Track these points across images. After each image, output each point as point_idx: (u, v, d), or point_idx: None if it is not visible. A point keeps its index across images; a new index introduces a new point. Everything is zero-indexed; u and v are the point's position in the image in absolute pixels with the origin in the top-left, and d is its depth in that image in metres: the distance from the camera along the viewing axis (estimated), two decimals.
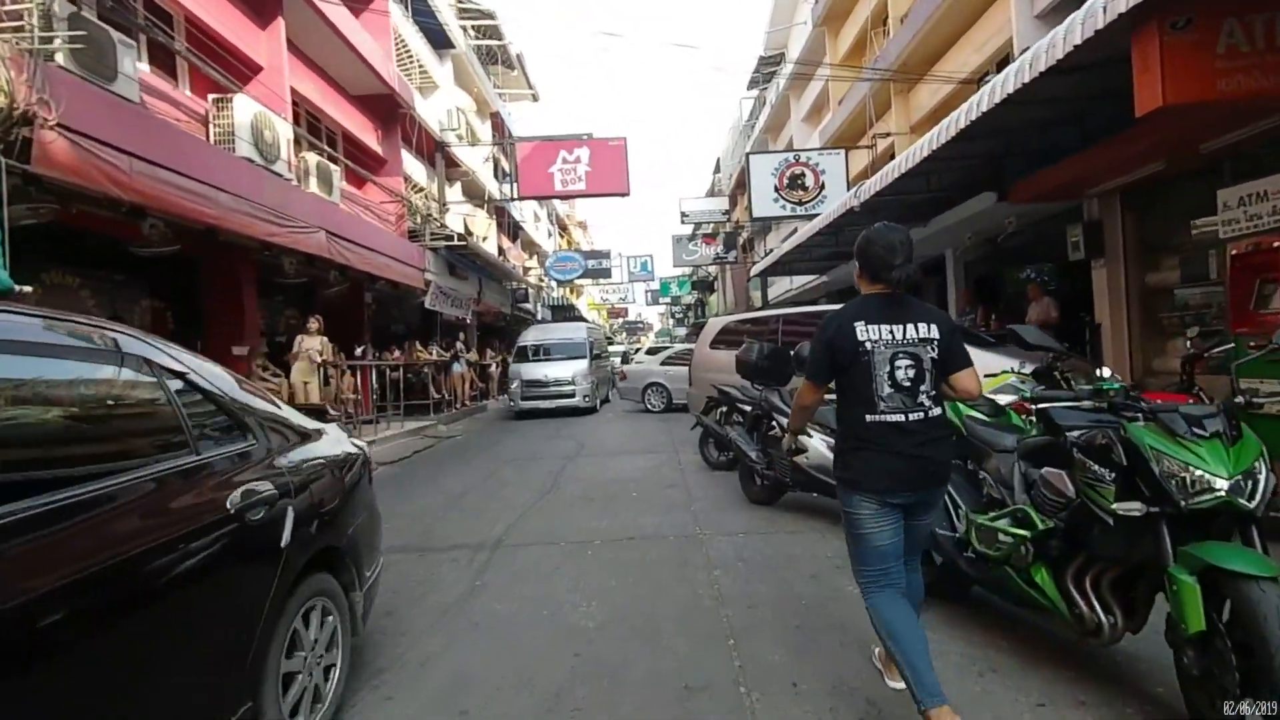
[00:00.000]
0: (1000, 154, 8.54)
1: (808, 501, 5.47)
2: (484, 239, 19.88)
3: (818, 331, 2.35)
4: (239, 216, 7.27)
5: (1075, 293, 9.29)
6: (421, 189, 14.37)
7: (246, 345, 9.06)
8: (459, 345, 15.65)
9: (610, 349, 31.53)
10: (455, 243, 13.87)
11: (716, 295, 40.88)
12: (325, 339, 9.45)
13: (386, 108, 13.38)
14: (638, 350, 35.98)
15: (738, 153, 33.81)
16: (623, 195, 15.37)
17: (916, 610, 2.33)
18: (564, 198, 16.14)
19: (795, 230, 22.18)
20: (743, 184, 37.44)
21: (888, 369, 2.19)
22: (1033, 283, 9.42)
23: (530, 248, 31.17)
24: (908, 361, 2.20)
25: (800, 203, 14.23)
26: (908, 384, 2.20)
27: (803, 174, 14.12)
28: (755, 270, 18.60)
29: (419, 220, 13.57)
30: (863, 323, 2.22)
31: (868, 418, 2.22)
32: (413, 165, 15.17)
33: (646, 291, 53.34)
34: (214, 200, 6.91)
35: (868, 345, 2.20)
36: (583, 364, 14.58)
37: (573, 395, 14.04)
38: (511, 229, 25.03)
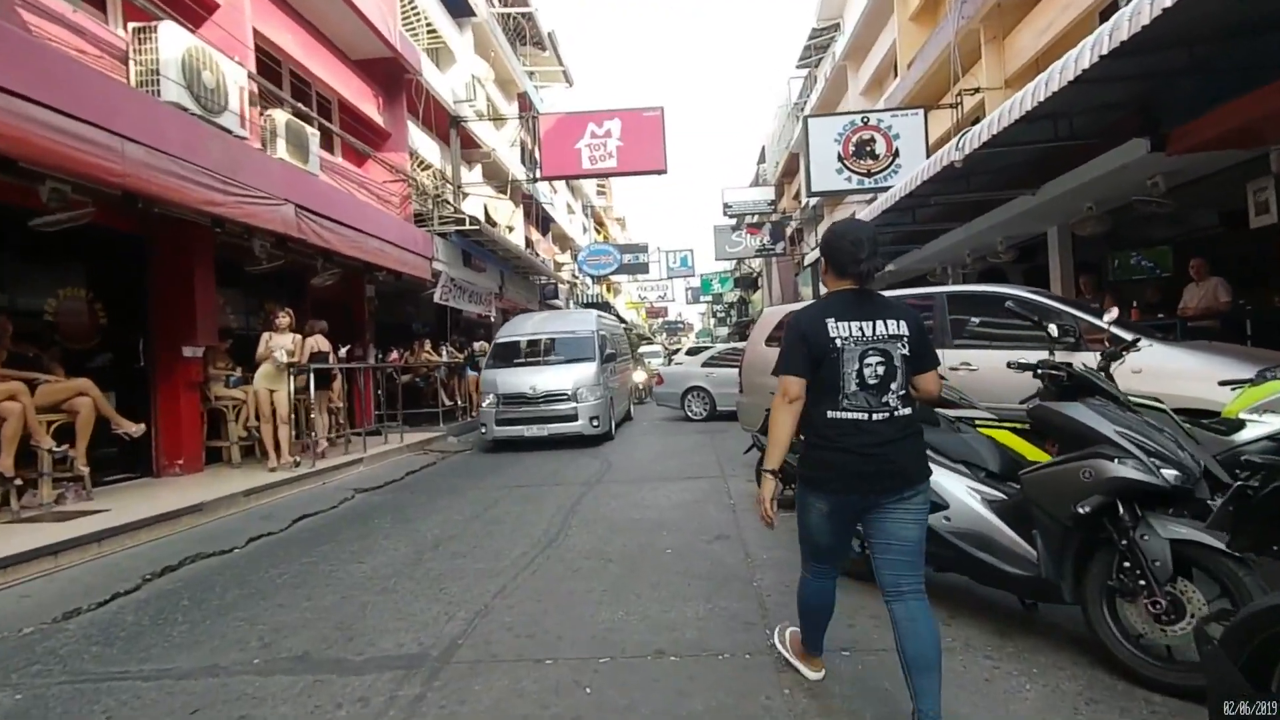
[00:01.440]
0: (1158, 87, 6.39)
1: (948, 584, 3.47)
2: (509, 229, 18.25)
3: (788, 329, 2.30)
4: (160, 176, 5.64)
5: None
6: (430, 166, 12.75)
7: (200, 345, 7.47)
8: (475, 346, 13.98)
9: (645, 349, 29.45)
10: (467, 228, 12.17)
11: (761, 292, 38.61)
12: (299, 336, 7.81)
13: (389, 73, 11.78)
14: (677, 350, 34.12)
15: (785, 138, 31.61)
16: (659, 173, 13.48)
17: (933, 666, 2.07)
18: (593, 176, 14.29)
19: (853, 215, 20.01)
20: (790, 172, 35.20)
21: (856, 366, 2.16)
22: (1198, 258, 7.17)
23: (563, 242, 29.53)
24: (878, 359, 2.16)
25: (869, 173, 12.07)
26: (875, 382, 2.16)
27: (872, 139, 11.95)
28: (809, 260, 16.47)
29: (428, 203, 11.92)
30: (833, 319, 2.19)
31: (829, 414, 2.19)
32: (423, 142, 13.58)
33: (687, 289, 51.34)
34: (119, 153, 5.27)
35: (838, 343, 2.17)
36: (589, 369, 10.04)
37: (573, 417, 9.61)
38: (540, 220, 23.37)
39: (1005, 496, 3.01)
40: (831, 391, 2.18)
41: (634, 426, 12.25)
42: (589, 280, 34.23)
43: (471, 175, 17.12)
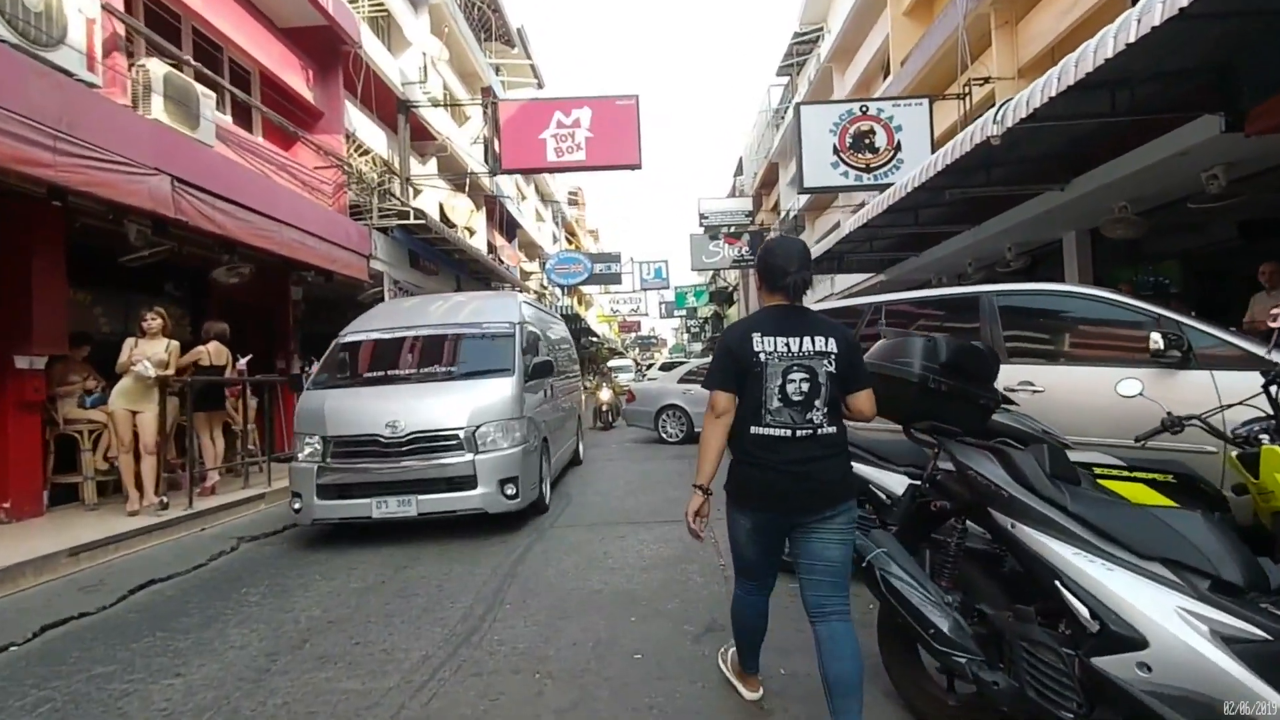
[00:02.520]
0: (1240, 54, 5.24)
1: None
2: (469, 231, 16.75)
3: (718, 344, 2.35)
4: None
5: None
6: (368, 151, 11.19)
7: (40, 354, 5.83)
8: None
9: (615, 363, 27.69)
10: (412, 222, 10.64)
11: (736, 306, 37.51)
12: (175, 343, 6.19)
13: (323, 44, 10.25)
14: (650, 365, 32.63)
15: (764, 148, 30.70)
16: (633, 168, 12.16)
17: (854, 688, 2.07)
18: (559, 170, 12.85)
19: (837, 225, 18.90)
20: (769, 183, 34.27)
21: (779, 382, 2.13)
22: (1270, 263, 5.98)
23: (531, 249, 28.03)
24: (802, 375, 2.13)
25: (868, 168, 10.83)
26: (799, 398, 2.13)
27: (871, 131, 10.71)
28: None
29: (367, 196, 10.36)
30: (759, 334, 2.17)
31: (753, 429, 2.17)
32: (365, 126, 12.00)
33: (660, 303, 50.18)
34: None
35: (761, 357, 2.14)
36: (501, 391, 5.70)
37: (468, 480, 5.29)
38: (506, 225, 21.87)
39: (1268, 636, 1.63)
40: (755, 407, 2.16)
41: (598, 453, 10.76)
42: (559, 291, 32.79)
43: (425, 169, 15.58)
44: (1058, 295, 4.71)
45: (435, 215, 14.75)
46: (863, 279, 16.63)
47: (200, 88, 7.01)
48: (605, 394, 15.15)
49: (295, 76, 9.83)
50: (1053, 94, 5.10)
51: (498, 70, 21.03)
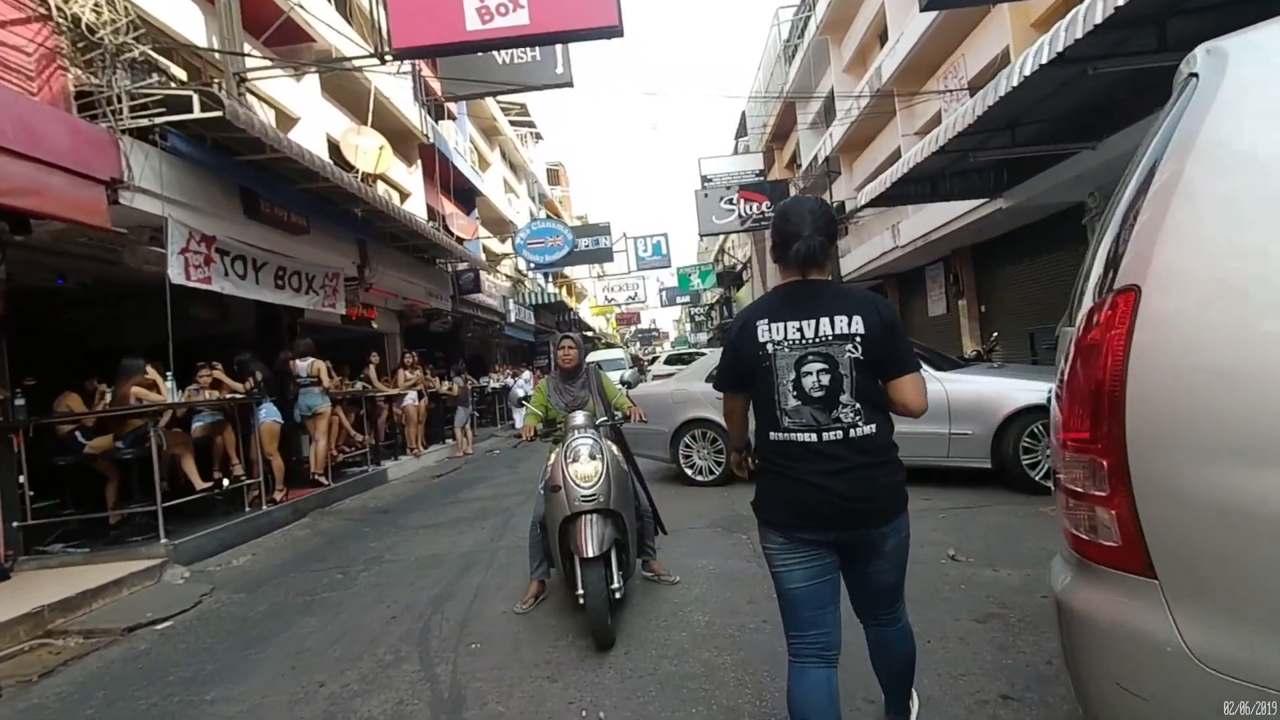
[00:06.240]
0: None
1: None
2: (400, 194, 11.93)
3: (727, 332, 2.05)
4: None
5: None
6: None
7: None
8: (306, 366, 7.61)
9: (601, 356, 21.79)
10: (238, 136, 5.72)
11: (749, 286, 32.65)
12: None
13: None
14: (653, 360, 27.41)
15: (774, 90, 25.78)
16: (609, 33, 7.35)
17: (905, 663, 1.99)
18: (490, 47, 8.06)
19: (896, 154, 14.29)
20: (781, 135, 29.30)
21: (793, 376, 1.75)
22: None
23: (502, 228, 23.18)
24: (820, 365, 1.74)
25: None
26: (819, 394, 1.73)
27: None
28: (864, 198, 10.55)
29: (108, 71, 5.47)
30: (764, 321, 1.80)
31: (771, 435, 1.81)
32: None
33: (661, 290, 45.26)
34: None
35: (769, 348, 1.78)
36: None
37: None
38: (457, 190, 16.99)
39: None
40: (769, 409, 1.80)
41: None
42: (542, 278, 27.90)
43: (304, 89, 10.71)
44: None
45: (324, 154, 9.93)
46: (937, 224, 11.88)
47: None
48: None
49: None
50: None
51: None
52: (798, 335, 1.75)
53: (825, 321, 1.73)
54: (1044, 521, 4.54)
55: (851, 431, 1.72)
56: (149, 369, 5.86)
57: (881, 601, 1.90)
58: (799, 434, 1.74)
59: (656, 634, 3.21)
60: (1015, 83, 5.67)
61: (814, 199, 1.92)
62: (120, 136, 5.43)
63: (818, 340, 1.73)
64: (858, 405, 1.72)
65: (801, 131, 23.61)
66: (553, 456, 3.44)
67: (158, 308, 5.96)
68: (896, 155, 13.22)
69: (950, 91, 12.12)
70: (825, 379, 1.72)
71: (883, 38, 16.85)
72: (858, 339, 1.72)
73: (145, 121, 5.47)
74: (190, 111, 5.56)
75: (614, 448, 3.53)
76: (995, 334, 8.56)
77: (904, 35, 14.12)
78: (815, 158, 20.66)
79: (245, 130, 5.91)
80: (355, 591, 4.43)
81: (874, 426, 1.74)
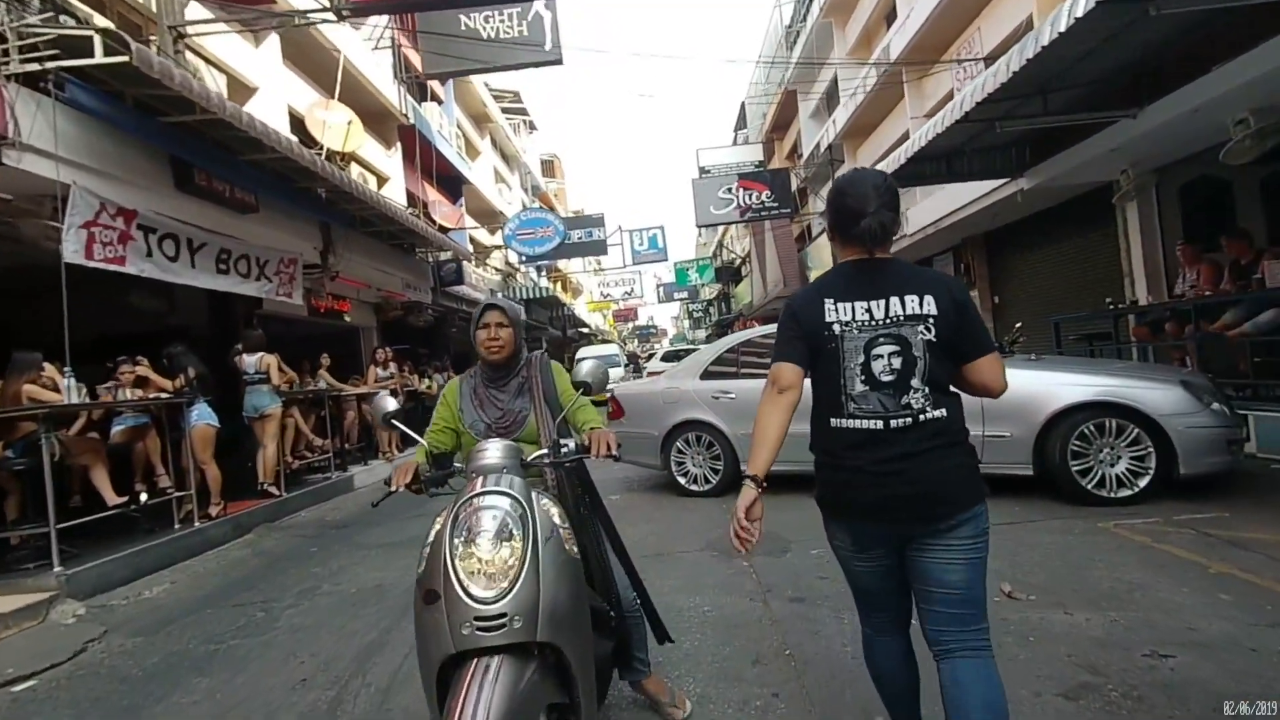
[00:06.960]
0: None
1: None
2: (378, 178, 11.09)
3: (783, 310, 1.78)
4: None
5: None
6: None
7: None
8: (242, 362, 6.79)
9: (590, 352, 20.96)
10: (95, 60, 4.81)
11: (748, 280, 31.79)
12: None
13: None
14: (650, 356, 26.65)
15: (774, 80, 24.92)
16: None
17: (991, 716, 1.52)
18: (453, 5, 7.16)
19: (905, 137, 13.43)
20: (782, 125, 28.41)
21: (861, 360, 1.62)
22: None
23: (492, 220, 22.31)
24: (891, 348, 1.61)
25: None
26: (890, 378, 1.61)
27: None
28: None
29: None
30: (831, 300, 1.66)
31: (832, 422, 1.67)
32: None
33: (658, 286, 44.45)
34: None
35: (836, 329, 1.64)
36: None
37: None
38: (441, 176, 16.11)
39: None
40: (834, 394, 1.66)
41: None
42: (535, 272, 27.05)
43: (265, 49, 9.84)
44: None
45: (285, 129, 9.09)
46: (963, 202, 11.07)
47: None
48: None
49: None
50: None
51: None
52: (866, 316, 1.63)
53: (895, 301, 1.62)
54: (1111, 542, 3.72)
55: (922, 416, 1.60)
56: (47, 366, 5.01)
57: (950, 612, 1.62)
58: (865, 421, 1.62)
59: (630, 717, 2.40)
60: (1063, 27, 4.85)
61: (877, 172, 1.76)
62: (5, 84, 4.58)
63: (889, 321, 1.62)
64: (927, 390, 1.62)
65: (803, 121, 22.75)
66: (436, 527, 1.72)
67: (93, 298, 5.14)
68: (904, 139, 12.40)
69: (964, 61, 11.29)
70: (897, 362, 1.61)
71: (889, 18, 16.00)
72: (930, 320, 1.61)
73: (35, 66, 4.62)
74: (91, 56, 4.71)
75: (556, 511, 1.81)
76: (1019, 325, 7.74)
77: (914, 10, 13.27)
78: (818, 146, 19.80)
79: (165, 84, 5.06)
80: (272, 638, 3.60)
81: (944, 410, 1.63)
